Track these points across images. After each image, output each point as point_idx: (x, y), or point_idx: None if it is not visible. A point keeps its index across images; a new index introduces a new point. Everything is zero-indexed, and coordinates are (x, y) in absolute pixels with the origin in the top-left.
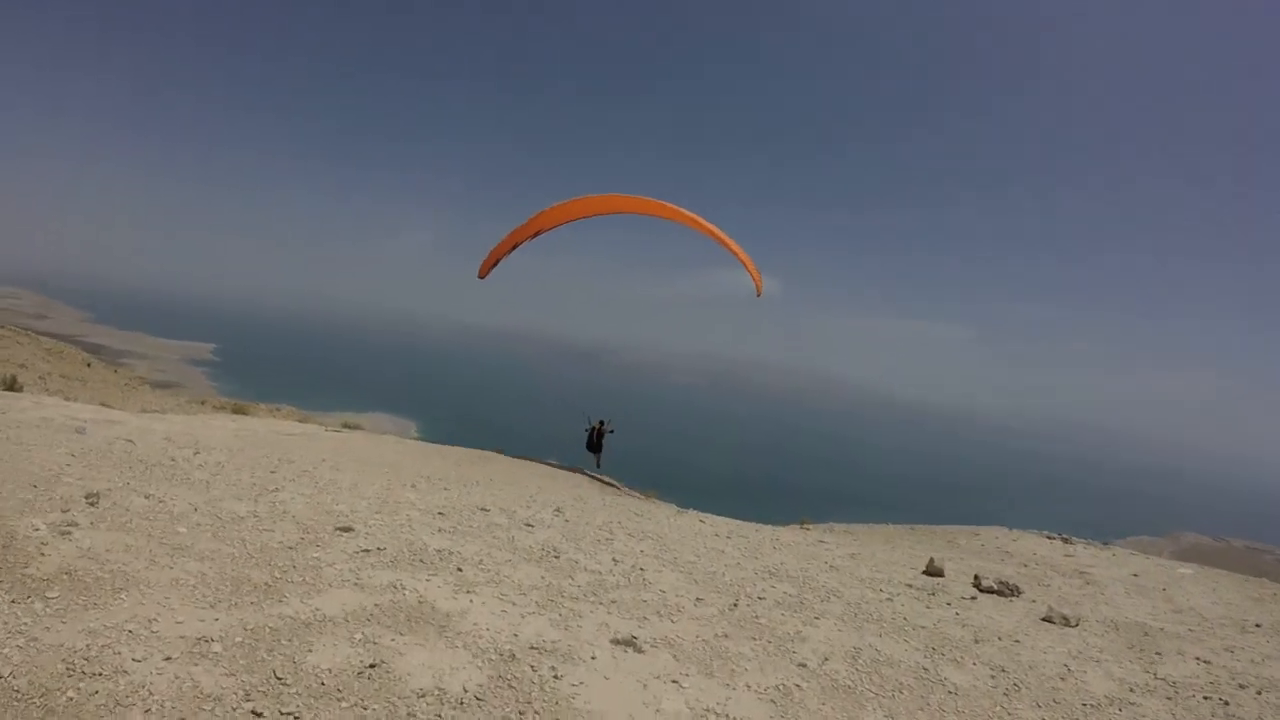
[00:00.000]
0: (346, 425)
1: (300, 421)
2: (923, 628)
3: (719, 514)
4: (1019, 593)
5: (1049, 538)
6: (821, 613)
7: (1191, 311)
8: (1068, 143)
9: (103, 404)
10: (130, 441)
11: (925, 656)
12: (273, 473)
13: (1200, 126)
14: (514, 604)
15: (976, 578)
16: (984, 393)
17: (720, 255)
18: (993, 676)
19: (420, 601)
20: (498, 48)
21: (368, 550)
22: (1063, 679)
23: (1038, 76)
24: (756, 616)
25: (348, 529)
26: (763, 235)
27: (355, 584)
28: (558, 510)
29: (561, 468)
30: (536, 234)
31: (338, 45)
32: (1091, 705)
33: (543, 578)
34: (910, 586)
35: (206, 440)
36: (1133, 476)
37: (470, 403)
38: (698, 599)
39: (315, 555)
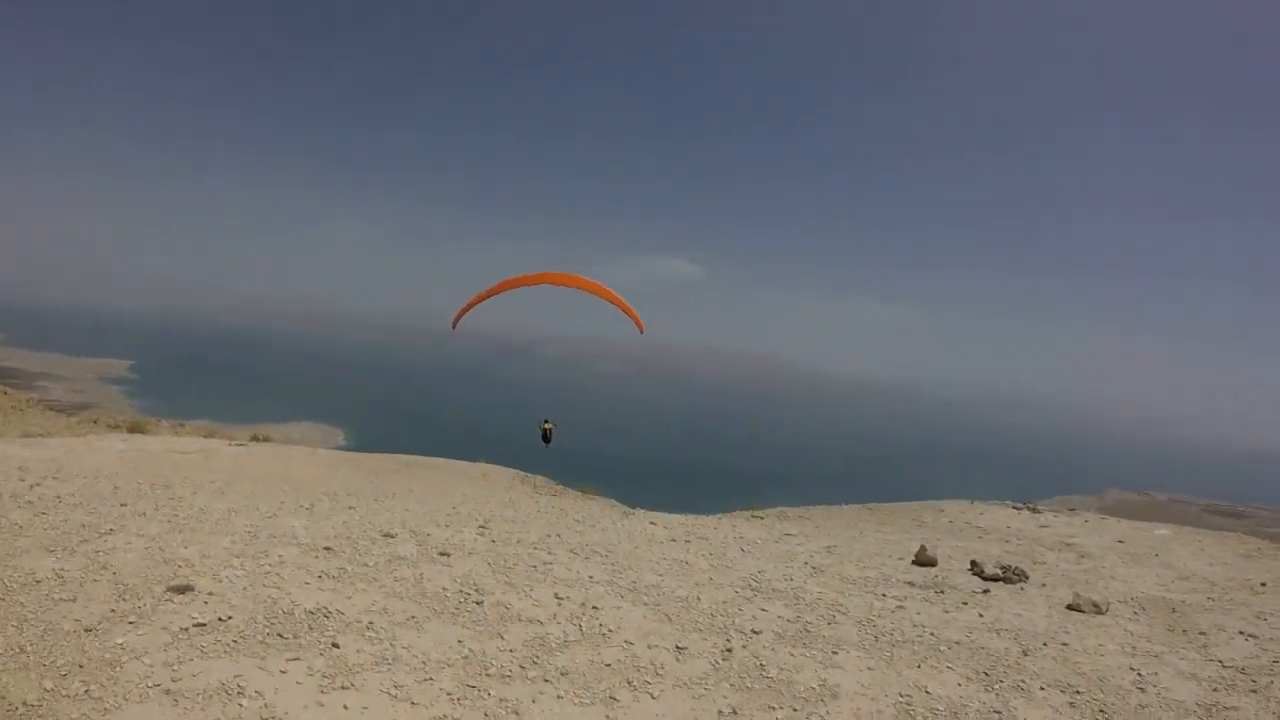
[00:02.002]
0: (255, 438)
1: (205, 437)
2: (957, 643)
3: (661, 509)
4: (1025, 577)
5: (1015, 508)
6: (836, 643)
7: (1099, 270)
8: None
9: None
10: None
11: (985, 689)
12: (123, 505)
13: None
14: (414, 702)
15: (974, 563)
16: (915, 368)
17: (642, 244)
18: (1071, 704)
19: (265, 718)
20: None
21: (203, 624)
22: (1141, 689)
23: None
24: (762, 665)
25: (185, 588)
26: (680, 214)
27: (166, 690)
28: (483, 526)
29: (494, 467)
30: (497, 293)
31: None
32: None
33: (459, 643)
34: (912, 584)
35: (73, 467)
36: (1059, 442)
37: (404, 405)
38: (679, 647)
39: (120, 641)
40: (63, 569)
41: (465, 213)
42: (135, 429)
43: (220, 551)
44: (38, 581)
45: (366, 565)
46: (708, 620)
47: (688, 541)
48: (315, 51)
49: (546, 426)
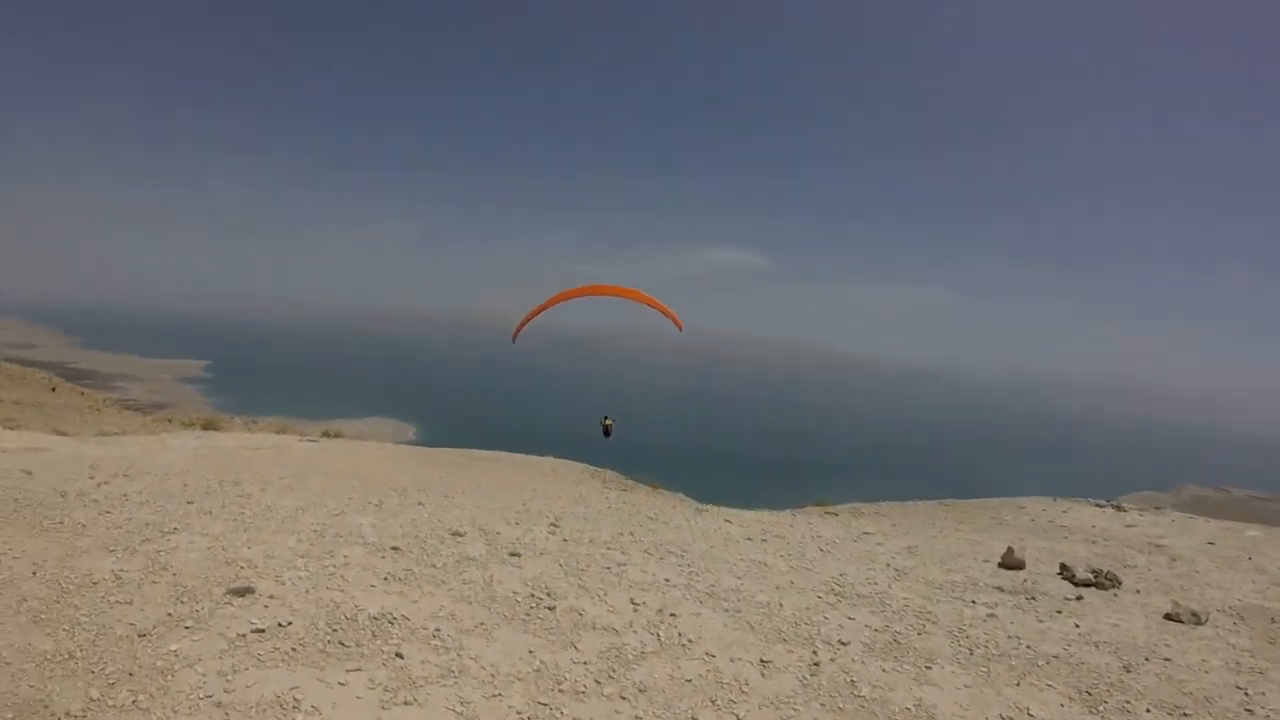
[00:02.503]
0: (327, 434)
1: (278, 433)
2: (1055, 658)
3: (729, 503)
4: (1118, 582)
5: (1098, 506)
6: (930, 656)
7: (1168, 260)
8: (1029, 88)
9: (55, 430)
10: (27, 473)
11: (1088, 710)
12: (190, 503)
13: (1187, 60)
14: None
15: (1063, 567)
16: (971, 354)
17: (708, 234)
18: None
19: None
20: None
21: (261, 630)
22: (1249, 711)
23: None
24: (852, 682)
25: (245, 590)
26: (744, 209)
27: (218, 703)
28: (554, 524)
29: (563, 462)
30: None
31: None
32: None
33: (530, 654)
34: (1001, 589)
35: (144, 465)
36: (1121, 431)
37: (471, 400)
38: (763, 660)
39: (174, 648)
40: (122, 570)
41: (526, 210)
42: (209, 426)
43: (284, 551)
44: (95, 583)
45: (434, 566)
46: (792, 629)
47: (764, 540)
48: (377, 58)
49: (608, 423)
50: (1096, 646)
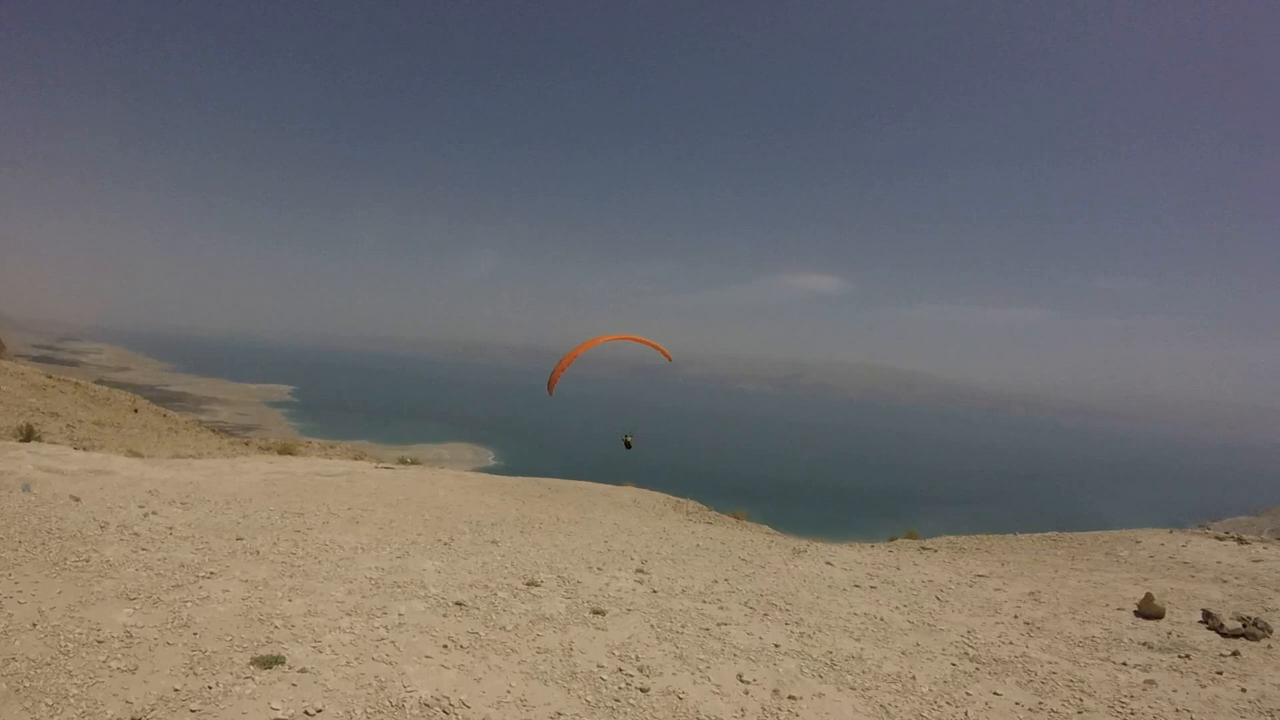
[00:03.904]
0: (403, 461)
1: (354, 459)
2: None
3: (812, 532)
4: (1268, 630)
5: (1218, 538)
6: None
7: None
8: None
9: (131, 451)
10: (75, 499)
11: None
12: (238, 540)
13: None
14: None
15: (1207, 615)
16: (1060, 374)
17: (777, 260)
18: None
19: None
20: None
21: None
22: None
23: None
24: None
25: (273, 660)
26: (823, 230)
27: None
28: (641, 570)
29: (644, 492)
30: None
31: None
32: None
33: None
34: (1149, 646)
35: (207, 491)
36: (1213, 452)
37: (548, 427)
38: None
39: None
40: (136, 625)
41: (598, 237)
42: (285, 451)
43: (330, 606)
44: (100, 641)
45: (504, 629)
46: (933, 712)
47: (873, 587)
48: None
49: (629, 440)
50: (1273, 716)
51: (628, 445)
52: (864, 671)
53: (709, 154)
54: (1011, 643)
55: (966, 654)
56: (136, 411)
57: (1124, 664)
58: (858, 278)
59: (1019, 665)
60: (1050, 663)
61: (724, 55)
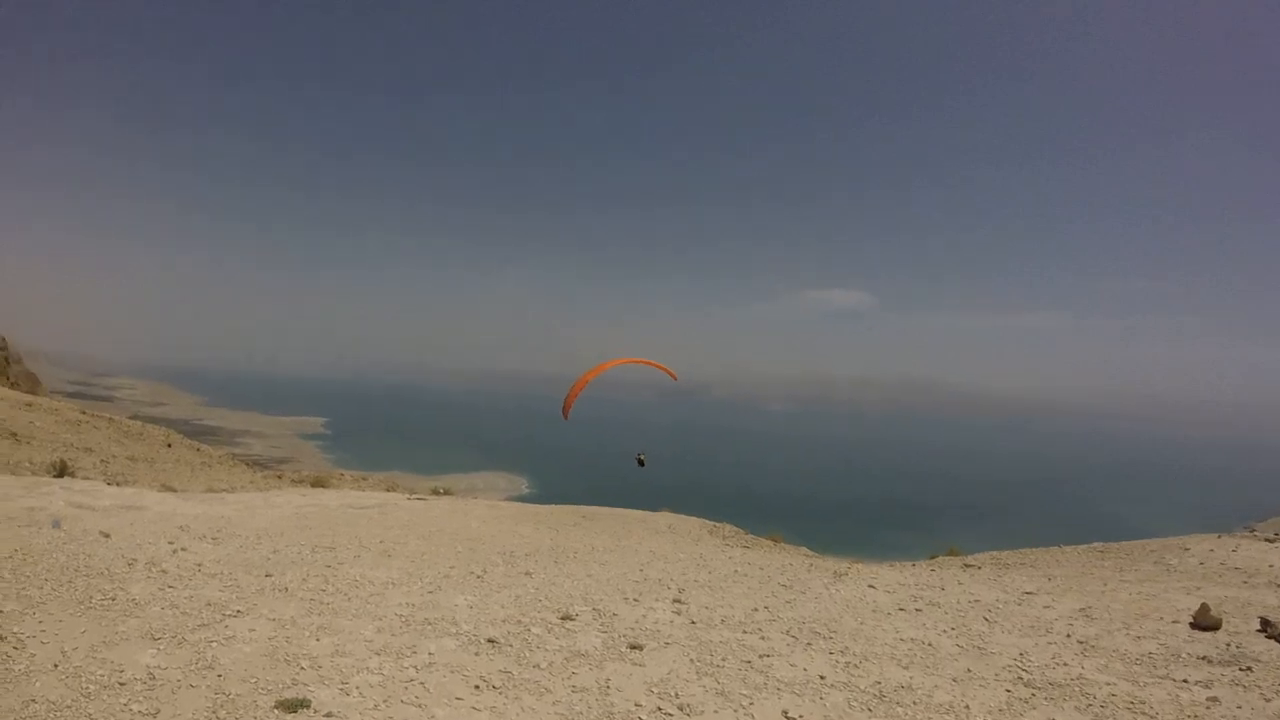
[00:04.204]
0: (435, 491)
1: (386, 490)
2: None
3: (848, 551)
4: None
5: (1269, 540)
6: None
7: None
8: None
9: (164, 485)
10: (105, 535)
11: None
12: (267, 577)
13: None
14: None
15: (1265, 623)
16: (1084, 379)
17: (804, 276)
18: None
19: None
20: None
21: None
22: None
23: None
24: None
25: (298, 704)
26: (844, 243)
27: None
28: (678, 600)
29: (680, 517)
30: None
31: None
32: None
33: None
34: (1208, 660)
35: (239, 526)
36: (1239, 453)
37: (581, 453)
38: None
39: None
40: (159, 666)
41: (624, 252)
42: (318, 484)
43: (358, 646)
44: (122, 684)
45: (538, 667)
46: None
47: (918, 610)
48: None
49: (641, 457)
50: None
51: (640, 463)
52: (915, 702)
53: (717, 167)
54: (1066, 664)
55: (1020, 679)
56: (170, 446)
57: (1185, 681)
58: (879, 289)
59: (1076, 689)
60: (1108, 684)
61: (725, 61)
